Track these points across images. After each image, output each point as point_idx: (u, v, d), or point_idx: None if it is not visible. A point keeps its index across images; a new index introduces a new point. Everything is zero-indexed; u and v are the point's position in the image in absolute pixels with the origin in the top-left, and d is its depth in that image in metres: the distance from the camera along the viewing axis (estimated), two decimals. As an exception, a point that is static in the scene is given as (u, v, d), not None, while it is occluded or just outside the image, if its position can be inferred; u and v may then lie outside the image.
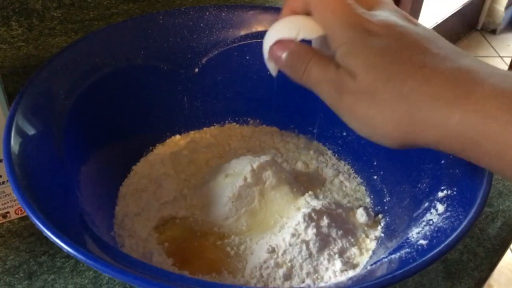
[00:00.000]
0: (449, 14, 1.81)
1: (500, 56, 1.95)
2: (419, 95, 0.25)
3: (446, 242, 0.27)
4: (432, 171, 0.35)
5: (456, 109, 0.24)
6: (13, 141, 0.31)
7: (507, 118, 0.23)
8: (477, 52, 1.94)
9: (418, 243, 0.29)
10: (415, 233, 0.31)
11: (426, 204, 0.33)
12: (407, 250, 0.29)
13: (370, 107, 0.27)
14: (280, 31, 0.31)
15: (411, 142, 0.27)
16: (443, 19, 1.78)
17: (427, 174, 0.36)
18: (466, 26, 2.03)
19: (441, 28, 1.76)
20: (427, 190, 0.35)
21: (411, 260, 0.27)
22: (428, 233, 0.30)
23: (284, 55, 0.30)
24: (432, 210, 0.32)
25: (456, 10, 1.85)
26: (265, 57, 0.33)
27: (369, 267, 0.31)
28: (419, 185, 0.36)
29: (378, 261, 0.31)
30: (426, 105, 0.25)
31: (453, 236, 0.27)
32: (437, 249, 0.26)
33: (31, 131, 0.34)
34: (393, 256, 0.30)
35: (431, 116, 0.25)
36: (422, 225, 0.31)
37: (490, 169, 0.27)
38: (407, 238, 0.31)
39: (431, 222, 0.31)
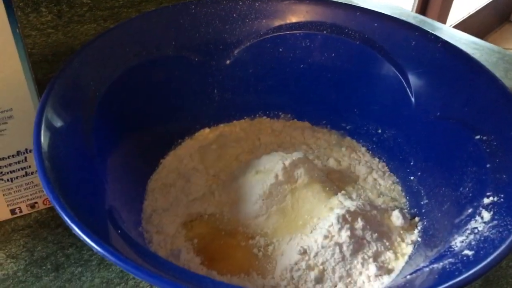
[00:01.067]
0: (482, 6, 1.76)
1: (534, 50, 1.88)
2: None
3: (495, 254, 0.25)
4: (476, 174, 0.33)
5: None
6: (43, 133, 0.31)
7: None
8: (510, 44, 1.88)
9: (463, 253, 0.27)
10: (458, 242, 0.29)
11: (470, 211, 0.31)
12: (450, 260, 0.27)
13: None
14: None
15: None
16: (475, 10, 1.73)
17: (470, 178, 0.34)
18: (498, 18, 1.96)
19: (473, 19, 1.71)
20: (470, 195, 0.33)
21: (456, 273, 0.25)
22: (473, 243, 0.28)
23: None
24: (477, 218, 0.30)
25: (489, 1, 1.79)
26: None
27: (408, 277, 0.30)
28: (461, 189, 0.34)
29: (419, 270, 0.29)
30: None
31: (502, 247, 0.25)
32: (486, 262, 0.25)
33: (60, 123, 0.33)
34: (435, 265, 0.28)
35: None
36: (467, 234, 0.29)
37: None
38: (450, 247, 0.29)
39: (476, 231, 0.29)
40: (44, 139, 0.30)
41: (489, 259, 0.25)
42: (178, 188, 0.39)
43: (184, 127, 0.44)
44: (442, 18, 1.56)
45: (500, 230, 0.27)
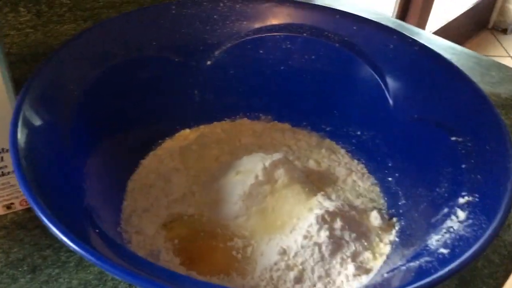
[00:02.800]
0: (460, 13, 1.79)
1: (510, 56, 1.92)
2: None
3: (470, 252, 0.26)
4: (452, 175, 0.34)
5: None
6: (19, 132, 0.30)
7: None
8: (488, 51, 1.92)
9: (439, 251, 0.28)
10: (434, 241, 0.30)
11: (446, 210, 0.32)
12: (426, 258, 0.28)
13: None
14: None
15: None
16: (454, 18, 1.76)
17: (446, 179, 0.34)
18: (477, 25, 2.00)
19: (451, 26, 1.74)
20: (446, 195, 0.33)
21: (432, 270, 0.26)
22: (449, 241, 0.28)
23: None
24: (453, 217, 0.31)
25: (467, 8, 1.83)
26: None
27: (385, 275, 0.30)
28: (437, 189, 0.35)
29: (395, 268, 0.30)
30: None
31: (476, 245, 0.26)
32: (460, 259, 0.25)
33: (38, 122, 0.33)
34: (411, 264, 0.28)
35: None
36: (442, 233, 0.30)
37: None
38: (426, 246, 0.30)
39: (451, 230, 0.30)
40: (21, 138, 0.30)
41: (463, 257, 0.25)
42: (158, 188, 0.39)
43: (164, 127, 0.44)
44: (422, 25, 1.59)
45: (475, 228, 0.28)
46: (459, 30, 1.83)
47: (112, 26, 0.40)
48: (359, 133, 0.44)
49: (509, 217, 0.44)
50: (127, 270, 0.25)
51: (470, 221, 0.29)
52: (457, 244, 0.28)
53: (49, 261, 0.37)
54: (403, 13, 1.56)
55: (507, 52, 1.94)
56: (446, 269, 0.25)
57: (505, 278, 0.41)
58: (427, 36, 0.74)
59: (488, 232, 0.27)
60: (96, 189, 0.35)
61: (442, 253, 0.27)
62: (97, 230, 0.30)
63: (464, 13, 1.81)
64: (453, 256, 0.26)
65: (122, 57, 0.39)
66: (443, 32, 1.68)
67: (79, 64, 0.37)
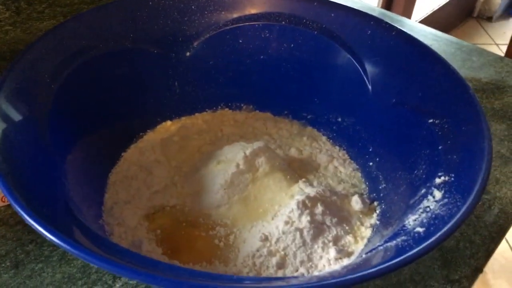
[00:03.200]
0: (445, 1, 1.80)
1: (496, 44, 1.93)
2: None
3: (444, 230, 0.26)
4: (429, 157, 0.34)
5: None
6: (-5, 126, 0.30)
7: None
8: (473, 39, 1.93)
9: (415, 230, 0.28)
10: (411, 221, 0.30)
11: (423, 191, 0.32)
12: (403, 237, 0.28)
13: None
14: None
15: None
16: (439, 6, 1.77)
17: (424, 160, 0.35)
18: (462, 14, 2.01)
19: (436, 15, 1.75)
20: (423, 176, 0.34)
21: (407, 248, 0.26)
22: (425, 220, 0.29)
23: None
24: (429, 197, 0.31)
25: (452, -3, 1.84)
26: None
27: (364, 256, 0.30)
28: (415, 172, 0.35)
29: (374, 249, 0.30)
30: None
31: (451, 223, 0.26)
32: (435, 237, 0.26)
33: (14, 116, 0.32)
34: (389, 244, 0.29)
35: None
36: (419, 212, 0.30)
37: None
38: (404, 226, 0.30)
39: (428, 209, 0.30)
40: (-4, 132, 0.30)
41: (438, 234, 0.26)
42: (139, 180, 0.39)
43: (145, 120, 0.44)
44: (407, 14, 1.59)
45: (450, 207, 0.28)
46: (445, 19, 1.84)
47: (88, 19, 0.39)
48: (339, 119, 0.44)
49: (490, 198, 0.45)
50: (110, 260, 0.25)
51: (446, 200, 0.30)
52: (433, 223, 0.28)
53: (32, 256, 0.37)
54: (388, 3, 1.57)
55: (492, 40, 1.96)
56: (421, 246, 0.25)
57: (487, 258, 0.41)
58: (411, 24, 0.74)
59: (463, 209, 0.27)
60: (77, 182, 0.35)
61: (418, 232, 0.28)
62: (78, 224, 0.30)
63: (449, 1, 1.82)
64: (428, 234, 0.27)
65: (99, 49, 0.39)
66: (428, 21, 1.68)
67: (55, 58, 0.37)
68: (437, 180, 0.32)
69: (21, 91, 0.34)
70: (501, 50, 1.86)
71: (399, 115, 0.39)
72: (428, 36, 0.68)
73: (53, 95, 0.35)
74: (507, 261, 1.18)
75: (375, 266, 0.25)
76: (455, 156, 0.32)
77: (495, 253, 0.42)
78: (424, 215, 0.30)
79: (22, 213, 0.26)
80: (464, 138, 0.33)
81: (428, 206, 0.30)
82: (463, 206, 0.27)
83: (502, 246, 1.15)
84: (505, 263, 1.20)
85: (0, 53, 0.55)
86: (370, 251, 0.30)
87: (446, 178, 0.31)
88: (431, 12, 1.74)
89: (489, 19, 2.05)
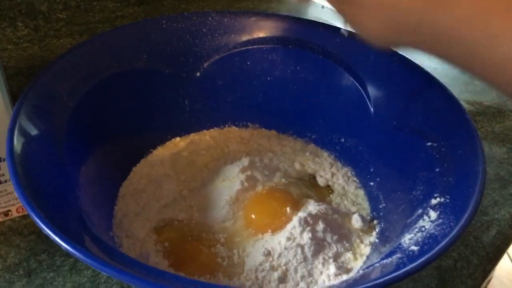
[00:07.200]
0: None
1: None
2: None
3: (436, 249, 0.27)
4: (427, 178, 0.36)
5: None
6: (15, 141, 0.32)
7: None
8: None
9: (410, 249, 0.29)
10: (407, 239, 0.31)
11: (420, 211, 0.34)
12: (398, 255, 0.29)
13: None
14: None
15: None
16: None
17: (421, 182, 0.36)
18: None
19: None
20: (421, 197, 0.35)
21: (401, 266, 0.27)
22: (420, 240, 0.30)
23: None
24: (425, 217, 0.33)
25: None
26: None
27: (361, 272, 0.32)
28: (413, 192, 0.36)
29: (371, 265, 0.31)
30: None
31: (443, 243, 0.28)
32: (428, 255, 0.27)
33: (33, 132, 0.34)
34: (385, 261, 0.30)
35: None
36: (415, 232, 0.32)
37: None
38: (400, 244, 0.31)
39: (423, 229, 0.31)
40: (17, 146, 0.32)
41: (430, 253, 0.27)
42: (149, 193, 0.41)
43: (155, 136, 0.46)
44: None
45: (444, 227, 0.30)
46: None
47: (104, 40, 0.42)
48: (342, 140, 0.46)
49: (488, 220, 0.46)
50: (120, 269, 0.26)
51: (440, 220, 0.31)
52: (427, 242, 0.29)
53: (44, 265, 0.39)
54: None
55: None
56: (414, 264, 0.27)
57: (484, 278, 0.42)
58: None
59: (455, 230, 0.28)
60: (89, 195, 0.36)
61: (413, 250, 0.29)
62: (90, 234, 0.32)
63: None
64: (421, 252, 0.28)
65: (114, 69, 0.41)
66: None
67: (72, 76, 0.39)
68: (433, 201, 0.33)
69: (40, 108, 0.35)
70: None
71: (400, 137, 0.41)
72: (432, 59, 0.70)
73: (69, 112, 0.37)
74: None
75: (371, 281, 0.26)
76: (450, 178, 0.33)
77: (501, 276, 0.43)
78: (419, 234, 0.31)
79: (40, 223, 0.28)
80: (459, 161, 0.34)
81: (424, 226, 0.32)
82: (456, 227, 0.29)
83: (508, 268, 1.14)
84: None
85: (18, 69, 0.57)
86: (368, 267, 0.32)
87: (442, 200, 0.33)
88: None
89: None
